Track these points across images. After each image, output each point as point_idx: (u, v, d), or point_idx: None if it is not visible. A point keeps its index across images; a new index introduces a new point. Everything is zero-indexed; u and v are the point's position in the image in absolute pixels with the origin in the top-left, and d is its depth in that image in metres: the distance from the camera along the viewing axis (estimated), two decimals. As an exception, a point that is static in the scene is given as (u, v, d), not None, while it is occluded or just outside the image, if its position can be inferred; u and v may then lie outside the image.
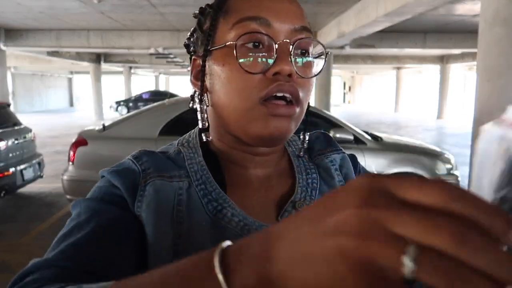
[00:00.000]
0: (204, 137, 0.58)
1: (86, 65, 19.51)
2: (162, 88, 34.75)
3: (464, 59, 18.17)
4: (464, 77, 29.15)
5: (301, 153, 0.63)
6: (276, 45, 0.52)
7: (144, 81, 35.09)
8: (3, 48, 11.89)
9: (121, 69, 24.11)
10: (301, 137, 0.63)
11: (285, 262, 0.26)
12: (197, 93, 0.59)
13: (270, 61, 0.52)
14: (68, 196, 4.30)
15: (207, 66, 0.57)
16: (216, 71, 0.55)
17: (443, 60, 20.21)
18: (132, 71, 25.64)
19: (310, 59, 0.55)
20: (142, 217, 0.51)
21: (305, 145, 0.63)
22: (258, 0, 0.54)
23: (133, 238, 0.50)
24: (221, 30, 0.55)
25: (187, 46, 0.64)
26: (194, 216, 0.53)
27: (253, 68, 0.51)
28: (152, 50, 12.56)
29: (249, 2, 0.54)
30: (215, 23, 0.56)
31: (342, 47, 11.70)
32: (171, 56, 15.10)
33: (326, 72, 12.71)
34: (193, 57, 0.61)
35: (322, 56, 0.57)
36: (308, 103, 0.57)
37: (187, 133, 0.64)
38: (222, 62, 0.54)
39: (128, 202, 0.52)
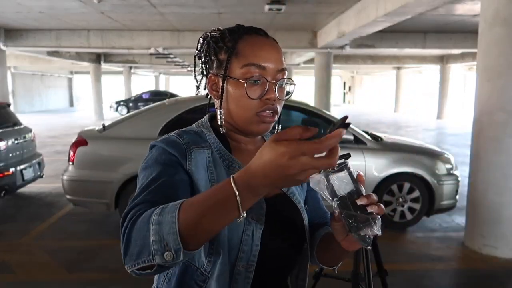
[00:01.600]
0: (221, 129, 0.95)
1: (86, 65, 19.52)
2: (162, 88, 34.75)
3: (464, 59, 18.16)
4: (464, 77, 29.13)
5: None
6: (267, 84, 0.89)
7: (144, 81, 35.07)
8: (3, 48, 11.89)
9: (121, 69, 24.11)
10: (276, 127, 1.01)
11: (258, 175, 0.63)
12: (214, 100, 0.97)
13: (263, 92, 0.89)
14: (68, 196, 4.30)
15: (220, 82, 0.92)
16: (229, 90, 0.91)
17: (443, 60, 20.20)
18: (132, 71, 25.63)
19: (283, 86, 0.94)
20: (192, 172, 0.87)
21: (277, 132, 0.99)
22: (257, 50, 0.89)
23: (188, 185, 0.86)
24: (233, 65, 0.90)
25: (198, 57, 0.98)
26: (217, 169, 0.90)
27: (254, 95, 0.89)
28: (152, 50, 12.55)
29: (251, 51, 0.89)
30: (230, 59, 0.90)
31: (342, 47, 11.69)
32: (171, 56, 15.09)
33: (326, 72, 12.71)
34: (210, 74, 0.95)
35: (291, 84, 0.96)
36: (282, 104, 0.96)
37: (199, 120, 1.00)
38: (234, 88, 0.90)
39: (183, 163, 0.87)
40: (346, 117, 0.67)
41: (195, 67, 1.00)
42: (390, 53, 18.04)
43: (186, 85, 40.91)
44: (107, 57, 19.52)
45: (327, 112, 4.74)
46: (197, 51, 0.98)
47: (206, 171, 0.89)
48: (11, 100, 16.65)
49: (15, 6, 8.55)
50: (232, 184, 0.64)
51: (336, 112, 21.11)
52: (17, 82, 24.51)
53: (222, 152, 0.93)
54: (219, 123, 0.94)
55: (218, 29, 0.96)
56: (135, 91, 26.27)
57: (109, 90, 30.00)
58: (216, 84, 0.94)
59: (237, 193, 0.64)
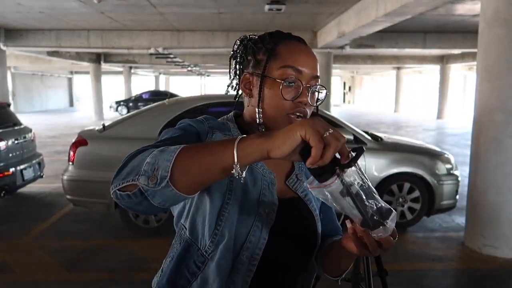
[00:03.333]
0: (259, 127, 0.96)
1: (86, 65, 19.51)
2: (162, 88, 34.75)
3: (464, 59, 18.16)
4: (464, 77, 29.12)
5: None
6: (302, 87, 0.91)
7: (144, 81, 35.06)
8: (3, 48, 11.89)
9: (121, 69, 24.11)
10: None
11: (274, 137, 0.69)
12: (246, 98, 1.00)
13: (297, 94, 0.92)
14: (68, 196, 4.30)
15: (255, 81, 0.95)
16: (264, 90, 0.93)
17: (443, 60, 20.20)
18: (132, 71, 25.63)
19: (315, 92, 0.96)
20: None
21: None
22: (296, 55, 0.92)
23: None
24: (271, 66, 0.92)
25: (234, 57, 1.00)
26: None
27: (288, 96, 0.91)
28: (152, 50, 12.55)
29: (290, 55, 0.92)
30: (269, 60, 0.93)
31: (342, 47, 11.69)
32: (171, 56, 15.09)
33: (326, 72, 12.71)
34: (245, 72, 0.97)
35: (323, 90, 0.97)
36: (317, 111, 1.01)
37: (225, 115, 1.04)
38: (270, 87, 0.93)
39: (201, 138, 0.92)
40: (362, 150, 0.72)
41: (230, 67, 1.02)
42: (390, 53, 18.04)
43: (186, 85, 40.92)
44: (107, 57, 19.52)
45: (327, 112, 4.74)
46: (232, 52, 1.00)
47: None
48: (11, 100, 16.65)
49: (15, 6, 8.55)
50: (236, 141, 0.70)
51: (336, 112, 21.13)
52: (17, 82, 24.51)
53: None
54: (257, 121, 0.95)
55: (256, 35, 1.01)
56: (135, 91, 26.27)
57: (109, 90, 29.99)
58: (250, 83, 0.96)
59: (236, 144, 0.69)
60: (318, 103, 0.97)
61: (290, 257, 0.95)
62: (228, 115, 1.03)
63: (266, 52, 0.93)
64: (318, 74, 0.95)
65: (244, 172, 0.70)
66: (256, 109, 0.94)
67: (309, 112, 0.94)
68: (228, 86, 1.01)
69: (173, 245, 0.98)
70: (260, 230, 0.89)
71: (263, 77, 0.92)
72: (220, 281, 0.87)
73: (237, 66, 0.99)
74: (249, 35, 0.99)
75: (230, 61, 1.02)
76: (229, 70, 1.02)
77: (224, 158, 0.70)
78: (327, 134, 0.67)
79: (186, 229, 0.93)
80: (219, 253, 0.87)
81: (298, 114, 0.92)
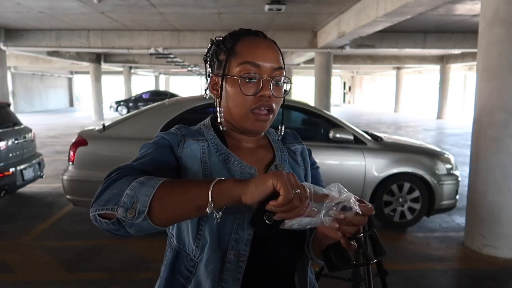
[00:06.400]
0: (220, 126, 0.99)
1: (86, 65, 19.51)
2: (162, 88, 34.73)
3: (464, 59, 18.15)
4: (464, 77, 29.13)
5: (279, 138, 1.08)
6: (262, 80, 0.92)
7: (144, 81, 35.06)
8: (3, 48, 11.88)
9: (121, 69, 24.10)
10: (279, 127, 1.06)
11: (247, 184, 0.73)
12: (215, 99, 1.00)
13: (258, 89, 0.93)
14: (68, 196, 4.30)
15: (219, 82, 0.97)
16: (227, 88, 0.96)
17: (443, 60, 20.19)
18: (132, 71, 25.62)
19: (280, 85, 0.96)
20: (181, 159, 0.93)
21: (281, 132, 1.06)
22: (253, 50, 0.93)
23: (174, 168, 0.92)
24: (231, 64, 0.94)
25: (205, 61, 1.03)
26: (212, 161, 0.94)
27: (248, 92, 0.92)
28: (152, 50, 12.54)
29: (248, 51, 0.93)
30: (229, 59, 0.94)
31: (342, 47, 11.69)
32: (171, 56, 15.08)
33: (326, 72, 12.71)
34: (211, 75, 1.00)
35: (288, 82, 0.98)
36: (283, 102, 1.00)
37: (203, 121, 1.04)
38: (231, 85, 0.94)
39: (174, 149, 0.93)
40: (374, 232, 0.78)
41: (206, 70, 1.04)
42: (390, 53, 18.04)
43: (186, 85, 40.92)
44: (107, 57, 19.51)
45: (327, 112, 4.74)
46: (204, 56, 1.04)
47: (200, 160, 0.93)
48: (11, 100, 16.65)
49: (15, 6, 8.55)
50: (213, 183, 0.73)
51: (336, 112, 21.13)
52: (17, 82, 24.50)
53: (219, 147, 0.97)
54: (218, 120, 0.98)
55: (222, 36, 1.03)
56: (135, 91, 26.26)
57: (109, 90, 29.99)
58: (217, 83, 0.99)
59: (211, 186, 0.73)
60: (284, 95, 0.97)
61: (281, 250, 0.96)
62: (205, 120, 1.05)
63: (226, 52, 0.95)
64: (281, 66, 0.95)
65: (220, 212, 0.74)
66: (218, 108, 0.98)
67: (275, 106, 0.95)
68: (206, 90, 1.03)
69: (165, 254, 1.01)
70: (243, 226, 0.90)
71: (224, 77, 0.95)
72: (212, 281, 0.89)
73: (209, 69, 1.02)
74: (215, 38, 1.01)
75: (205, 64, 1.04)
76: (205, 73, 1.05)
77: (199, 199, 0.74)
78: (296, 192, 0.69)
79: (174, 236, 0.96)
80: (205, 255, 0.90)
81: (262, 107, 0.93)
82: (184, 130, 0.98)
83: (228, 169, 0.94)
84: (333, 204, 0.74)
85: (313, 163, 1.12)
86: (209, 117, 1.06)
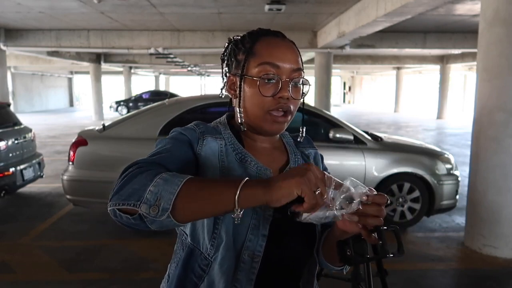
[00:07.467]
0: (241, 127, 0.98)
1: (86, 65, 19.51)
2: (162, 88, 34.73)
3: (464, 59, 18.16)
4: (464, 77, 29.13)
5: (299, 138, 1.09)
6: (281, 82, 0.91)
7: (144, 81, 35.06)
8: (3, 48, 11.88)
9: (121, 69, 24.10)
10: (300, 130, 1.08)
11: (273, 191, 0.73)
12: (232, 99, 1.00)
13: (276, 90, 0.92)
14: (68, 196, 4.30)
15: (238, 82, 0.96)
16: (245, 89, 0.95)
17: (443, 60, 20.19)
18: (132, 71, 25.62)
19: (299, 86, 0.95)
20: (201, 156, 0.92)
21: (302, 134, 1.08)
22: (272, 50, 0.92)
23: (193, 164, 0.91)
24: (250, 65, 0.93)
25: (222, 60, 1.02)
26: (229, 160, 0.94)
27: (267, 93, 0.91)
28: (152, 50, 12.54)
29: (267, 51, 0.92)
30: (248, 59, 0.94)
31: (342, 47, 11.69)
32: (171, 56, 15.08)
33: (326, 72, 12.71)
34: (229, 74, 0.99)
35: (306, 84, 0.97)
36: (303, 107, 1.00)
37: (218, 118, 1.05)
38: (249, 86, 0.94)
39: (194, 146, 0.93)
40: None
41: (222, 70, 1.02)
42: (390, 53, 18.04)
43: (186, 85, 40.93)
44: (107, 57, 19.51)
45: (327, 112, 4.74)
46: (221, 55, 1.03)
47: (218, 159, 0.93)
48: (11, 100, 16.65)
49: (15, 6, 8.55)
50: (239, 187, 0.73)
51: (336, 112, 21.13)
52: (17, 82, 24.50)
53: (236, 146, 0.97)
54: (238, 121, 0.98)
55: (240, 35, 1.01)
56: (135, 91, 26.26)
57: (109, 90, 29.99)
58: (234, 83, 0.97)
59: (241, 184, 0.73)
60: (303, 96, 0.97)
61: (293, 251, 0.96)
62: (221, 118, 1.05)
63: (245, 52, 0.94)
64: (300, 67, 0.94)
65: (241, 213, 0.74)
66: (237, 109, 0.97)
67: (293, 107, 0.94)
68: (222, 89, 1.02)
69: (175, 251, 1.00)
70: (259, 227, 0.90)
71: (242, 77, 0.94)
72: (225, 281, 0.89)
73: (226, 68, 1.01)
74: (233, 37, 1.00)
75: (222, 63, 1.03)
76: (222, 73, 1.03)
77: (225, 201, 0.74)
78: (317, 192, 0.73)
79: (187, 235, 0.95)
80: (220, 255, 0.89)
81: (280, 109, 0.92)
82: (202, 127, 0.97)
83: (244, 168, 0.94)
84: (342, 196, 0.77)
85: (325, 169, 1.11)
86: (225, 115, 1.05)
